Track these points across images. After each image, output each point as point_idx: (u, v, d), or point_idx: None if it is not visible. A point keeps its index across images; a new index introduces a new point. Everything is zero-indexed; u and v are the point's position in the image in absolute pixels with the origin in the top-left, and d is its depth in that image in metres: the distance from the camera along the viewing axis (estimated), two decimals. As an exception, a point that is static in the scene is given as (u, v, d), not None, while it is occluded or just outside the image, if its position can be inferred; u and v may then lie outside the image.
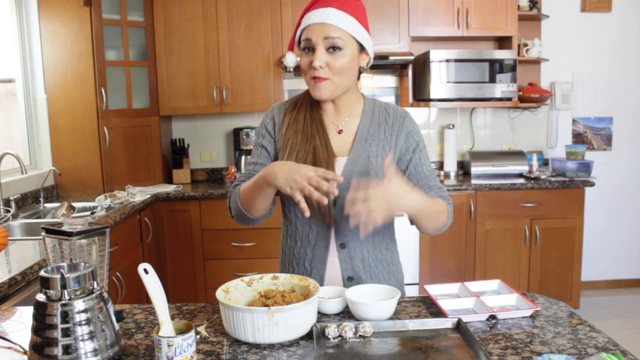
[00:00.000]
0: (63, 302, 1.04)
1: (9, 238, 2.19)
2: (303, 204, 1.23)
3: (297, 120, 1.45)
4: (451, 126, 3.94)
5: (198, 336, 1.19)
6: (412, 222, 1.44)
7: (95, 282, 1.10)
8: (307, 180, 1.21)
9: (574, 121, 4.19)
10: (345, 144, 1.46)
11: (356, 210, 1.17)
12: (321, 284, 1.45)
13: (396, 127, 1.46)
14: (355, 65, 1.39)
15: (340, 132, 1.47)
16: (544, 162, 4.10)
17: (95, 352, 1.05)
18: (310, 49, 1.35)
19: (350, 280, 1.45)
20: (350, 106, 1.47)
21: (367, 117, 1.48)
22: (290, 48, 1.46)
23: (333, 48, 1.34)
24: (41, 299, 1.06)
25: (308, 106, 1.47)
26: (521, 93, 3.85)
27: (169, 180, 3.89)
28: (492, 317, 1.26)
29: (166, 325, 1.03)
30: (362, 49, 1.40)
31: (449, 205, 1.45)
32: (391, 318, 1.26)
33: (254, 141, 1.55)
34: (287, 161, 1.35)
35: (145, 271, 1.05)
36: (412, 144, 1.46)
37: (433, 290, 1.42)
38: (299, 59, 1.42)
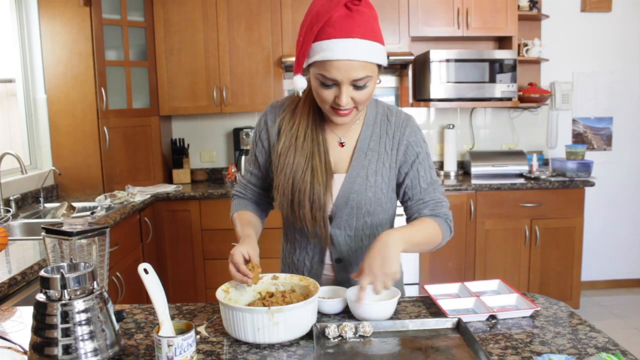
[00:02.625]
0: (63, 302, 1.04)
1: (9, 238, 2.19)
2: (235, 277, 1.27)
3: (298, 136, 1.37)
4: (451, 126, 3.94)
5: (198, 336, 1.19)
6: None
7: (95, 282, 1.10)
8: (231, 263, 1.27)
9: (574, 121, 4.19)
10: (345, 158, 1.41)
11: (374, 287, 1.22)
12: None
13: (397, 138, 1.40)
14: (375, 85, 1.31)
15: (342, 144, 1.41)
16: (544, 162, 4.10)
17: (95, 352, 1.05)
18: (331, 85, 1.24)
19: None
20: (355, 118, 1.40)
21: (368, 127, 1.41)
22: (298, 71, 1.28)
23: (359, 86, 1.25)
24: (41, 299, 1.06)
25: (309, 118, 1.39)
26: (521, 93, 3.85)
27: (169, 180, 3.89)
28: (492, 317, 1.26)
29: (166, 325, 1.03)
30: (380, 66, 1.30)
31: (443, 223, 1.39)
32: (391, 318, 1.26)
33: (251, 143, 1.53)
34: (249, 239, 1.34)
35: (145, 271, 1.05)
36: (411, 156, 1.40)
37: (433, 290, 1.42)
38: (305, 80, 1.31)
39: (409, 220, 1.43)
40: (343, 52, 1.19)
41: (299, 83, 1.30)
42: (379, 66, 1.28)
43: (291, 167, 1.36)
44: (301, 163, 1.36)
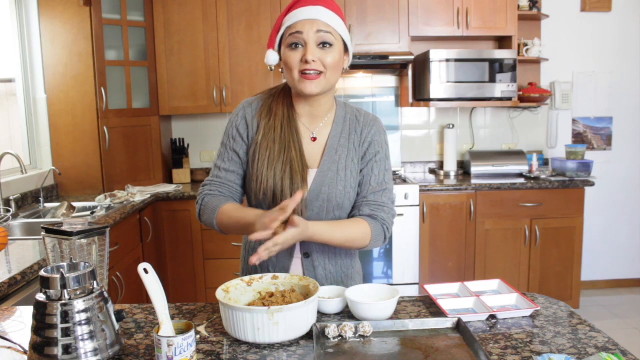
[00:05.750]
0: (63, 302, 1.04)
1: (9, 238, 2.19)
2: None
3: (275, 127, 1.42)
4: (451, 126, 3.94)
5: (198, 336, 1.19)
6: None
7: (95, 282, 1.10)
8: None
9: (574, 121, 4.19)
10: (316, 154, 1.45)
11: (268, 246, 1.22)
12: None
13: (364, 135, 1.47)
14: (342, 64, 1.40)
15: (314, 139, 1.46)
16: (544, 162, 4.10)
17: (95, 352, 1.05)
18: (299, 45, 1.34)
19: None
20: (325, 111, 1.46)
21: (338, 125, 1.47)
22: (271, 46, 1.41)
23: (324, 44, 1.34)
24: (41, 299, 1.06)
25: (286, 111, 1.44)
26: (521, 93, 3.85)
27: (169, 180, 3.89)
28: (492, 317, 1.26)
29: (166, 325, 1.03)
30: (345, 49, 1.40)
31: (378, 227, 1.42)
32: (391, 318, 1.26)
33: (223, 140, 1.49)
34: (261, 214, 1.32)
35: (145, 271, 1.05)
36: (370, 154, 1.47)
37: (433, 290, 1.42)
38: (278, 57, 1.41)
39: (349, 215, 1.47)
40: (309, 13, 1.33)
41: (271, 57, 1.41)
42: (345, 49, 1.40)
43: (272, 158, 1.40)
44: (281, 154, 1.40)
